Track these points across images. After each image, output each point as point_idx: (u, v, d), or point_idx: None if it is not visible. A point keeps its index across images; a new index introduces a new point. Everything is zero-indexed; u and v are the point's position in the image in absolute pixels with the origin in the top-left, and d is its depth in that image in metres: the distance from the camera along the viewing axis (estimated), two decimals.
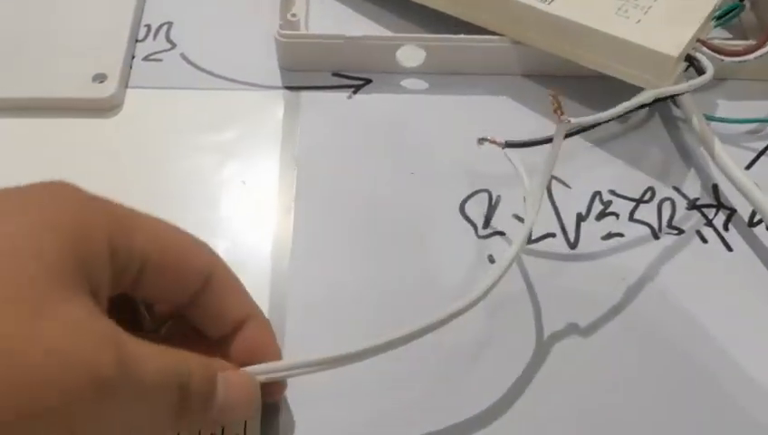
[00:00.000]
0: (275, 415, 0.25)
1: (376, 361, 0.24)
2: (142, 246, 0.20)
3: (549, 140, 0.27)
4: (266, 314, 0.25)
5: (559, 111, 0.25)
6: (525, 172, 0.27)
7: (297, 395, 0.25)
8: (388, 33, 0.36)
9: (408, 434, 0.25)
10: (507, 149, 0.28)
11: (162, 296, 0.22)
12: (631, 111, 0.29)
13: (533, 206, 0.26)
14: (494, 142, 0.29)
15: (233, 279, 0.23)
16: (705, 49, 0.32)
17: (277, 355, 0.24)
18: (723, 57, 0.32)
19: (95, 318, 0.18)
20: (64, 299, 0.17)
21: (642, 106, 0.29)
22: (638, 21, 0.32)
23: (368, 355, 0.22)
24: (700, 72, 0.31)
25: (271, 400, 0.24)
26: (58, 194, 0.19)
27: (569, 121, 0.25)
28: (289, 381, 0.24)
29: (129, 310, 0.23)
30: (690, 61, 0.31)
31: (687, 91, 0.30)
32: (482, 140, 0.29)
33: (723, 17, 0.35)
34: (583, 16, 0.32)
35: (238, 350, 0.23)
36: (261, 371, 0.23)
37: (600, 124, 0.28)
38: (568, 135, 0.26)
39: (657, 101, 0.30)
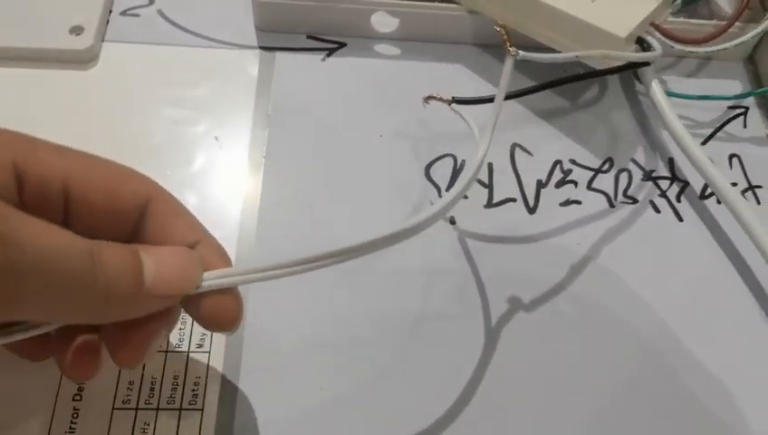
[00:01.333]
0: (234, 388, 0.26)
1: (322, 337, 0.25)
2: (60, 171, 0.20)
3: (515, 94, 0.28)
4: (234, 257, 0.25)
5: (508, 43, 0.25)
6: (475, 125, 0.27)
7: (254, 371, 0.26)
8: None
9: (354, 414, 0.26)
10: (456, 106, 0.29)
11: (99, 231, 0.21)
12: (573, 79, 0.29)
13: (484, 142, 0.26)
14: (440, 100, 0.29)
15: (174, 204, 0.22)
16: (657, 33, 0.33)
17: None
18: (673, 44, 0.33)
19: None
20: None
21: (594, 75, 0.30)
22: (594, 0, 0.32)
23: (311, 265, 0.21)
24: None
25: (224, 327, 0.22)
26: None
27: (517, 53, 0.25)
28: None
29: None
30: (640, 43, 0.32)
31: (632, 60, 0.31)
32: (428, 98, 0.29)
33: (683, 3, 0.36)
34: None
35: None
36: (211, 277, 0.21)
37: (540, 89, 0.29)
38: (521, 94, 0.27)
39: (609, 71, 0.30)
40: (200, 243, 0.22)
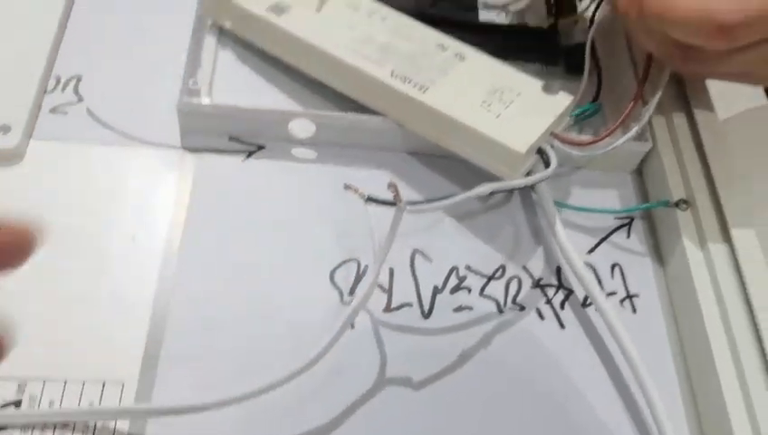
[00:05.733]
0: None
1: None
2: None
3: (414, 203, 0.31)
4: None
5: (397, 198, 0.28)
6: (377, 234, 0.31)
7: None
8: (288, 102, 0.39)
9: None
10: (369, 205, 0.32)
11: None
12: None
13: (372, 277, 0.30)
14: (357, 192, 0.32)
15: None
16: (556, 142, 0.36)
17: None
18: (571, 149, 0.37)
19: None
20: None
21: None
22: (498, 115, 0.35)
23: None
24: (547, 164, 0.35)
25: None
26: None
27: (405, 206, 0.29)
28: None
29: None
30: (540, 153, 0.35)
31: (521, 186, 0.34)
32: (347, 187, 0.32)
33: (580, 115, 0.40)
34: (450, 107, 0.35)
35: None
36: None
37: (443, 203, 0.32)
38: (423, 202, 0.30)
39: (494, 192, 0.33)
40: None
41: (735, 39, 0.31)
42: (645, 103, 0.39)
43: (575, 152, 0.37)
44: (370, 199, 0.32)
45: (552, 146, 0.36)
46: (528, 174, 0.36)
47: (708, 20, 0.31)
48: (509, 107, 0.36)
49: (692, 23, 0.31)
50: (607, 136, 0.37)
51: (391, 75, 0.37)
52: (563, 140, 0.37)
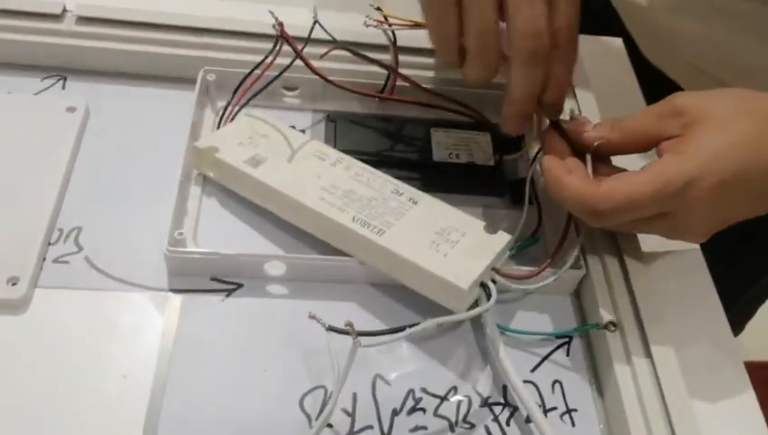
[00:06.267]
0: None
1: None
2: None
3: (367, 334, 0.36)
4: None
5: (353, 335, 0.34)
6: (338, 365, 0.35)
7: None
8: (264, 243, 0.45)
9: None
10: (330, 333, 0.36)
11: None
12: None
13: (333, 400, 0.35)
14: (320, 322, 0.36)
15: None
16: (497, 276, 0.42)
17: None
18: (510, 283, 0.42)
19: None
20: None
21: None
22: (445, 254, 0.41)
23: None
24: (489, 296, 0.40)
25: None
26: None
27: (360, 343, 0.34)
28: None
29: None
30: (483, 287, 0.41)
31: (465, 319, 0.39)
32: (311, 317, 0.37)
33: (522, 248, 0.45)
34: (404, 249, 0.40)
35: None
36: None
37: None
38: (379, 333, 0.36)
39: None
40: None
41: (608, 221, 0.40)
42: (578, 234, 0.44)
43: (514, 286, 0.42)
44: (331, 329, 0.37)
45: (494, 280, 0.41)
46: (474, 304, 0.41)
47: (584, 206, 0.39)
48: (455, 246, 0.41)
49: (573, 208, 0.40)
50: (541, 272, 0.42)
51: (353, 220, 0.42)
52: (503, 275, 0.42)
